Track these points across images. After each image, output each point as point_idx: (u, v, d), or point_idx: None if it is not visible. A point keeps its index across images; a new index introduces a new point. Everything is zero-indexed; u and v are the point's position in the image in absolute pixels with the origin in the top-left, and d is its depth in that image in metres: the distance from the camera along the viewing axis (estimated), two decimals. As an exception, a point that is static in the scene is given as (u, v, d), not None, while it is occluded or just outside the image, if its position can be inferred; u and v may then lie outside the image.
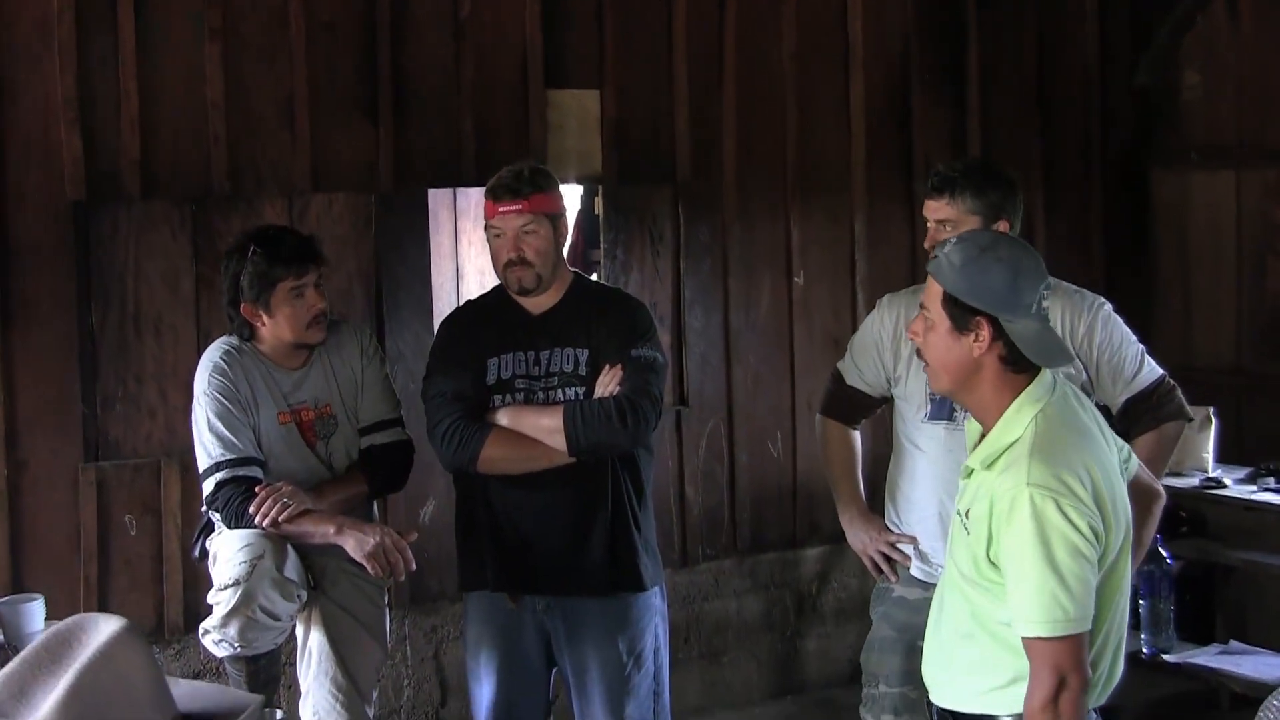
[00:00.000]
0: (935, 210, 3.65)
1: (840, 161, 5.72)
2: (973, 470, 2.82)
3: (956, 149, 5.86)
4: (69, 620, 2.18)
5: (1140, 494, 3.00)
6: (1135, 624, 4.76)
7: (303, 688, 3.88)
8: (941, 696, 2.90)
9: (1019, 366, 2.77)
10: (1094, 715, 2.81)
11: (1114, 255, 6.21)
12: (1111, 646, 2.79)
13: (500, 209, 3.63)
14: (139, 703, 2.08)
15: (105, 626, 2.12)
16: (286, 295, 3.75)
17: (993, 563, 2.71)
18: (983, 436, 2.83)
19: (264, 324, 3.79)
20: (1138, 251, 6.25)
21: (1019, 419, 2.75)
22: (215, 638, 3.61)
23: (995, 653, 2.74)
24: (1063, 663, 2.60)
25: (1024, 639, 2.64)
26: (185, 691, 2.24)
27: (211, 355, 3.82)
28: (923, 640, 3.00)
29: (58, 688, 2.02)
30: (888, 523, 3.83)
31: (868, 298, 5.54)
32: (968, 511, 2.78)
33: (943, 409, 3.65)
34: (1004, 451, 2.73)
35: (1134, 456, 2.97)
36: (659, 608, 3.81)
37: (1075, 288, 3.73)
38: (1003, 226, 3.56)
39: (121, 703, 2.05)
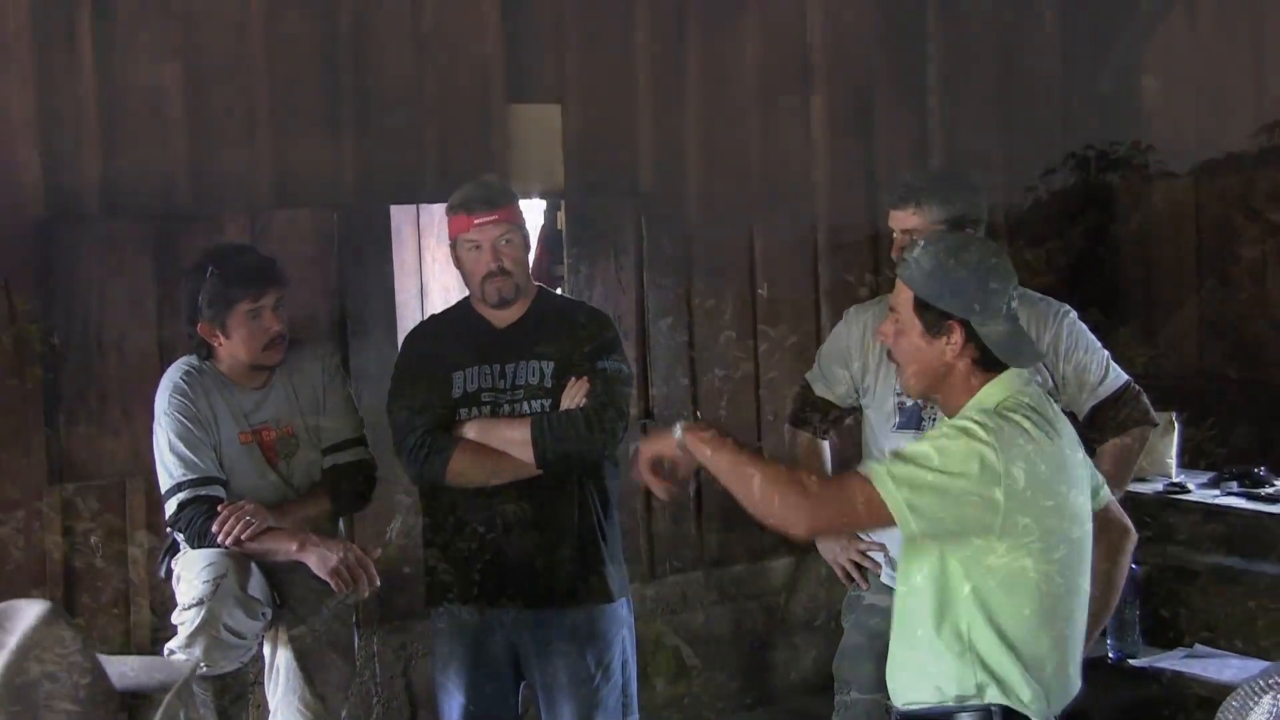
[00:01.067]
0: (901, 220, 3.66)
1: (803, 171, 5.73)
2: None
3: (919, 158, 5.88)
4: None
5: (1109, 526, 2.98)
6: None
7: (271, 706, 3.86)
8: (899, 699, 2.90)
9: (991, 366, 2.78)
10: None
11: (1076, 262, 6.24)
12: (1058, 653, 2.76)
13: (476, 221, 3.63)
14: (74, 684, 2.05)
15: (29, 611, 2.08)
16: (243, 317, 3.73)
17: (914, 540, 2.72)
18: None
19: (221, 344, 3.77)
20: (1100, 258, 6.28)
21: (985, 399, 2.76)
22: (181, 658, 3.58)
23: (942, 655, 2.73)
24: (841, 502, 2.69)
25: (855, 470, 2.71)
26: (116, 669, 2.21)
27: (171, 375, 3.80)
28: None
29: None
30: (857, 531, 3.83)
31: (832, 308, 5.55)
32: None
33: (912, 418, 3.66)
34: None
35: (1106, 488, 2.95)
36: (626, 619, 3.81)
37: (1039, 295, 3.75)
38: (967, 235, 3.57)
39: (55, 686, 2.03)
